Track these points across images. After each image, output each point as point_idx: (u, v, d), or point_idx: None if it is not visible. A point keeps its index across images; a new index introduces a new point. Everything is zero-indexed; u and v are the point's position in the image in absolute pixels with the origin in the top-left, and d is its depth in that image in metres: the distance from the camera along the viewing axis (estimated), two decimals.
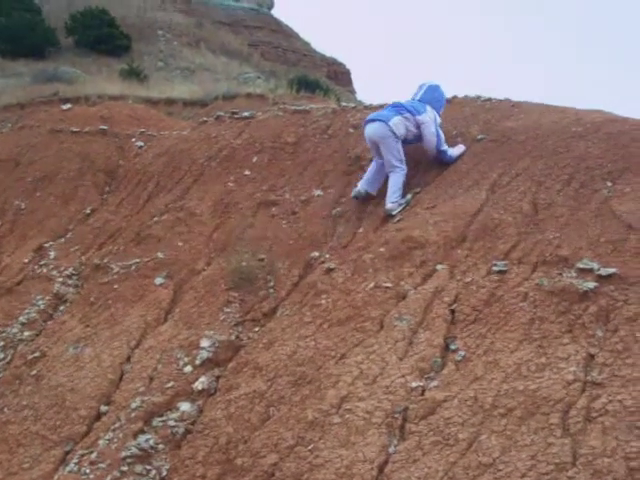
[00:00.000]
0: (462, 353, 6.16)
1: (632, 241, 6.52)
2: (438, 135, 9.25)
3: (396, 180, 8.96)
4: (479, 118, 9.69)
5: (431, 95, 9.60)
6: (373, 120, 9.27)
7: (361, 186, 9.25)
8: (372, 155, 9.46)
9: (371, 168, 9.38)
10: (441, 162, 9.29)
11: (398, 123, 9.16)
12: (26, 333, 9.26)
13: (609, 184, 7.41)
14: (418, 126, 9.28)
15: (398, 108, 9.34)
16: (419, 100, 9.49)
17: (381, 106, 10.28)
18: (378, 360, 6.37)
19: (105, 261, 9.96)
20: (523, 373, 5.68)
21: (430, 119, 9.31)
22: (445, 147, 9.25)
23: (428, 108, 9.41)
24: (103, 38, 43.63)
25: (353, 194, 9.27)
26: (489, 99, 10.30)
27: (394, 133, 9.09)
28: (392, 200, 8.79)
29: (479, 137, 9.18)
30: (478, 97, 10.48)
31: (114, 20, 45.60)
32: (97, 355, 8.28)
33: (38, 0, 48.80)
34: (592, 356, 5.59)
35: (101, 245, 10.62)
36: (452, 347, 6.30)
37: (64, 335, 8.94)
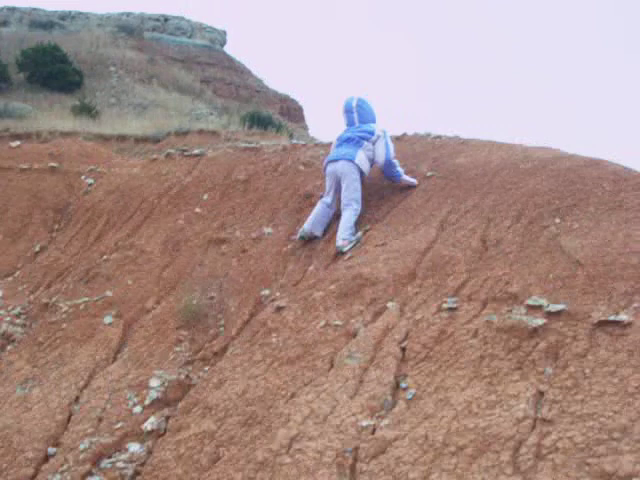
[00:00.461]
0: (412, 391, 6.13)
1: (580, 277, 6.56)
2: (387, 146, 9.42)
3: (349, 217, 8.98)
4: (429, 155, 9.76)
5: (365, 111, 9.75)
6: (338, 159, 9.33)
7: (306, 227, 9.24)
8: (325, 192, 9.47)
9: (317, 209, 9.40)
10: (390, 178, 9.47)
11: (363, 158, 9.33)
12: None
13: (557, 220, 7.46)
14: (373, 146, 9.46)
15: (354, 141, 9.41)
16: (361, 123, 9.62)
17: (331, 144, 10.28)
18: (328, 399, 6.32)
19: (54, 300, 9.84)
20: (474, 411, 5.66)
21: (381, 133, 9.50)
22: (396, 161, 9.42)
23: (373, 125, 9.61)
24: (55, 74, 43.55)
25: (299, 235, 9.26)
26: (439, 136, 10.39)
27: (360, 171, 9.21)
28: (343, 237, 8.79)
29: (429, 174, 9.24)
30: (428, 134, 10.57)
31: (66, 56, 45.58)
32: (45, 396, 8.15)
33: None
34: (542, 393, 5.59)
35: (50, 284, 10.50)
36: (403, 385, 6.26)
37: (11, 375, 8.80)
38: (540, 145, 9.27)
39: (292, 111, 65.42)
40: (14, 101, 36.17)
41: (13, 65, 43.39)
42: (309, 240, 9.18)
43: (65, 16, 65.63)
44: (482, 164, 8.92)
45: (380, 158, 9.44)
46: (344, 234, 8.84)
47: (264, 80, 68.81)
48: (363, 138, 9.41)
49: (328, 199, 9.36)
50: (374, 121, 9.71)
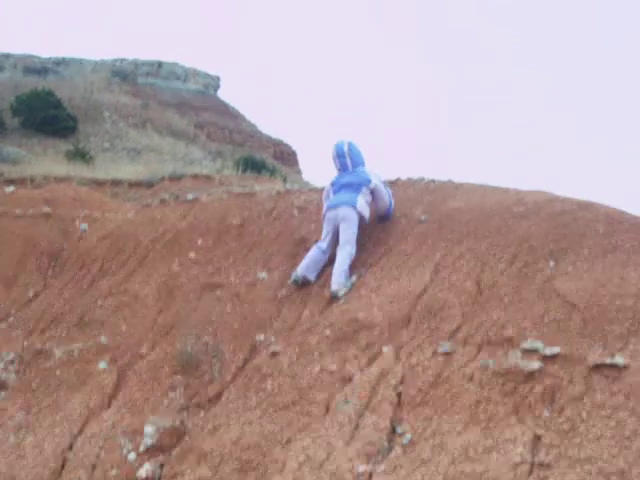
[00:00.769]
0: (409, 436, 6.10)
1: (576, 320, 6.56)
2: (389, 194, 9.70)
3: (343, 260, 8.99)
4: (423, 199, 9.78)
5: (356, 155, 9.87)
6: (339, 205, 9.40)
7: (300, 271, 9.24)
8: (322, 237, 9.50)
9: (312, 254, 9.41)
10: (383, 219, 9.71)
11: (363, 204, 9.46)
12: None
13: (552, 263, 7.48)
14: (371, 192, 9.56)
15: (353, 187, 9.52)
16: (354, 168, 9.74)
17: (324, 188, 10.32)
18: (324, 445, 6.28)
19: (47, 346, 9.80)
20: (470, 455, 5.63)
21: (379, 180, 9.68)
22: (391, 204, 9.68)
23: (367, 169, 9.76)
24: (49, 119, 43.74)
25: (292, 279, 9.24)
26: (432, 180, 10.42)
27: (361, 216, 9.37)
28: (338, 281, 8.78)
29: (423, 218, 9.25)
30: (422, 179, 10.59)
31: (60, 102, 45.80)
32: (39, 443, 8.10)
33: None
34: (539, 437, 5.58)
35: (44, 329, 10.45)
36: (399, 430, 6.23)
37: (5, 422, 8.74)
38: (533, 189, 9.30)
39: (286, 155, 65.69)
40: (8, 146, 36.28)
41: (7, 110, 43.60)
42: (303, 285, 9.16)
43: (59, 62, 66.00)
44: (476, 208, 8.94)
45: (384, 204, 9.65)
46: (339, 278, 8.84)
47: (257, 125, 69.16)
48: (362, 184, 9.51)
49: (323, 244, 9.38)
50: (364, 164, 9.85)
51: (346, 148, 9.80)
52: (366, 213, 9.49)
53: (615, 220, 7.93)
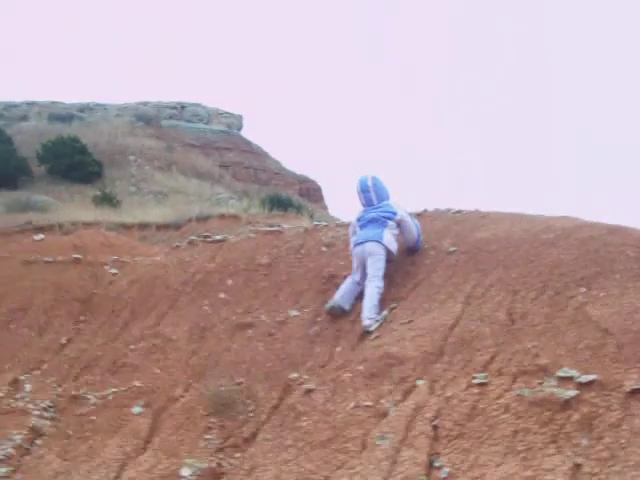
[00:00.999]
0: (447, 470, 6.05)
1: (610, 346, 6.52)
2: (417, 226, 9.77)
3: (372, 295, 8.99)
4: (450, 230, 9.78)
5: (380, 189, 9.91)
6: (366, 241, 9.42)
7: (337, 299, 9.25)
8: (353, 270, 9.55)
9: (346, 284, 9.45)
10: (412, 251, 9.76)
11: (390, 239, 9.47)
12: (2, 469, 9.04)
13: (583, 290, 7.44)
14: (398, 225, 9.59)
15: (379, 222, 9.56)
16: (379, 202, 9.76)
17: (350, 223, 10.35)
18: None
19: (81, 392, 9.81)
20: None
21: (405, 213, 9.71)
22: (419, 235, 9.76)
23: (392, 203, 9.79)
24: (75, 165, 44.08)
25: (328, 307, 9.25)
26: (459, 211, 10.42)
27: (388, 251, 9.38)
28: (369, 316, 8.77)
29: (451, 249, 9.25)
30: (448, 210, 10.60)
31: (85, 147, 46.16)
32: None
33: (10, 130, 49.36)
34: (578, 466, 5.52)
35: (77, 375, 10.46)
36: (436, 464, 6.18)
37: (42, 470, 8.73)
38: (561, 215, 9.28)
39: (311, 191, 65.90)
40: (35, 194, 36.57)
41: (33, 159, 43.98)
42: (335, 318, 9.16)
43: (84, 108, 66.69)
44: (504, 237, 8.93)
45: (412, 236, 9.72)
46: (369, 313, 8.83)
47: (282, 162, 69.44)
48: (388, 218, 9.54)
49: (356, 276, 9.42)
50: (388, 198, 9.87)
51: (370, 183, 9.84)
52: (393, 247, 9.48)
53: None
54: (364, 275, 9.41)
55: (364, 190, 9.83)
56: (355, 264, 9.54)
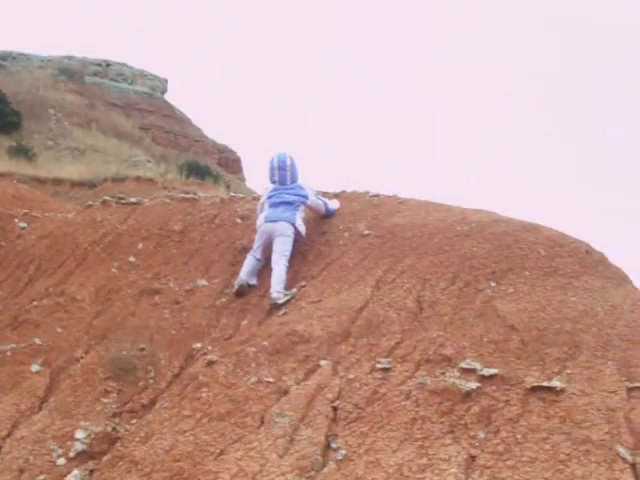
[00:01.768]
0: (343, 452, 6.05)
1: (514, 342, 6.60)
2: (322, 202, 10.00)
3: (281, 271, 9.01)
4: (367, 214, 9.78)
5: (295, 170, 10.03)
6: (278, 220, 9.42)
7: (243, 277, 9.23)
8: (254, 248, 9.55)
9: (249, 261, 9.46)
10: (327, 218, 10.03)
11: (301, 223, 9.56)
12: None
13: (493, 284, 7.52)
14: (309, 208, 9.80)
15: (293, 205, 9.60)
16: (291, 182, 9.89)
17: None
18: (258, 457, 6.20)
19: None
20: (404, 474, 5.60)
21: (313, 195, 9.88)
22: (327, 206, 10.05)
23: (302, 185, 9.91)
24: None
25: (236, 285, 9.20)
26: (377, 195, 10.42)
27: (298, 233, 9.45)
28: (278, 290, 8.77)
29: (366, 232, 9.25)
30: (366, 192, 10.59)
31: (5, 96, 45.19)
32: None
33: None
34: (473, 457, 5.57)
35: None
36: (333, 445, 6.17)
37: None
38: (477, 208, 9.35)
39: (230, 162, 65.70)
40: None
41: None
42: (247, 291, 9.12)
43: (6, 56, 65.29)
44: (419, 225, 8.96)
45: (319, 212, 10.01)
46: (278, 287, 8.83)
47: (203, 129, 68.97)
48: (300, 202, 9.66)
49: (257, 254, 9.46)
50: (298, 179, 9.99)
51: (289, 162, 9.90)
52: (303, 230, 9.57)
53: (557, 243, 8.01)
54: (265, 253, 9.46)
55: (281, 167, 9.84)
56: (259, 241, 9.56)
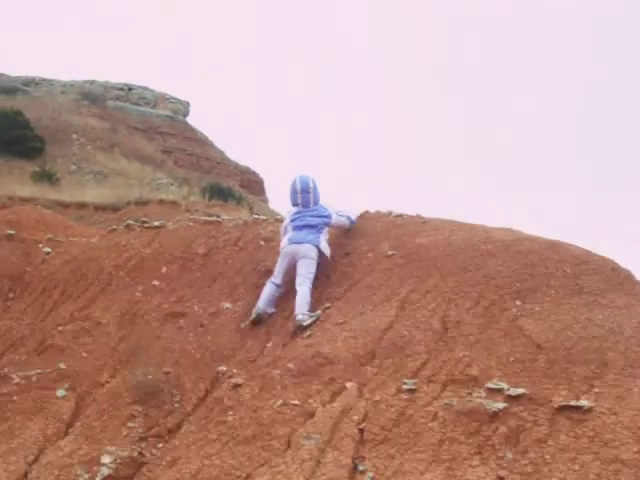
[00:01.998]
0: (370, 474, 6.02)
1: (541, 361, 6.55)
2: (345, 217, 10.07)
3: (306, 292, 8.99)
4: (390, 234, 9.75)
5: (317, 192, 10.05)
6: (302, 243, 9.45)
7: (261, 305, 9.21)
8: (275, 273, 9.57)
9: (268, 289, 9.44)
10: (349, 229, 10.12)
11: (326, 245, 9.57)
12: None
13: (518, 303, 7.47)
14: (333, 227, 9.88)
15: (316, 228, 9.63)
16: (315, 203, 9.93)
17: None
18: None
19: (5, 371, 9.61)
20: None
21: (335, 214, 9.92)
22: (351, 218, 10.15)
23: (325, 206, 9.97)
24: (16, 139, 43.42)
25: (254, 314, 9.14)
26: (400, 215, 10.39)
27: (323, 255, 9.50)
28: (302, 312, 8.74)
29: (390, 253, 9.22)
30: (390, 212, 10.56)
31: (28, 122, 45.48)
32: None
33: None
34: (502, 479, 5.54)
35: (2, 353, 10.23)
36: (360, 468, 6.14)
37: None
38: (501, 226, 9.31)
39: (252, 183, 65.85)
40: None
41: None
42: (262, 322, 9.10)
43: (29, 82, 65.84)
44: (443, 244, 8.93)
45: (343, 228, 10.10)
46: (303, 309, 8.80)
47: (225, 152, 69.20)
48: (324, 224, 9.70)
49: (277, 280, 9.45)
50: (319, 200, 10.02)
51: (312, 185, 9.94)
52: (328, 252, 9.57)
53: (582, 261, 7.96)
54: (286, 278, 9.47)
55: (304, 190, 9.87)
56: (282, 265, 9.56)
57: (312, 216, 9.71)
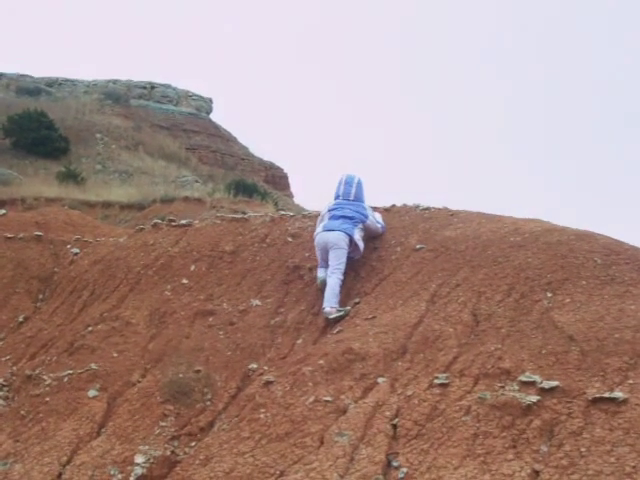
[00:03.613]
0: (404, 470, 5.99)
1: (574, 353, 6.49)
2: (381, 225, 10.00)
3: (335, 286, 9.02)
4: (418, 227, 9.73)
5: (361, 191, 10.02)
6: (334, 230, 9.47)
7: (321, 276, 9.42)
8: (320, 262, 9.59)
9: (320, 271, 9.54)
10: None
11: (359, 238, 9.54)
12: None
13: (549, 295, 7.42)
14: (363, 228, 9.72)
15: (353, 220, 9.61)
16: (354, 199, 9.88)
17: (318, 214, 10.33)
18: (318, 477, 6.15)
19: (37, 372, 9.65)
20: None
21: (373, 218, 9.88)
22: (384, 228, 10.06)
23: (366, 206, 9.93)
24: (41, 140, 43.71)
25: (319, 281, 9.41)
26: (427, 208, 10.37)
27: (356, 248, 9.51)
28: (331, 304, 8.80)
29: (418, 247, 9.20)
30: (417, 206, 10.54)
31: (52, 123, 45.71)
32: (27, 472, 7.93)
33: None
34: (537, 472, 5.49)
35: (33, 355, 10.29)
36: (394, 464, 6.12)
37: None
38: (530, 217, 9.26)
39: (277, 179, 65.89)
40: None
41: None
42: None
43: (52, 83, 66.12)
44: (472, 237, 8.89)
45: (376, 234, 9.95)
46: (331, 301, 8.87)
47: (249, 148, 69.24)
48: (359, 220, 9.66)
49: (323, 265, 9.56)
50: (364, 201, 9.98)
51: (356, 180, 10.02)
52: (361, 245, 9.55)
53: (613, 251, 7.89)
54: (326, 262, 9.49)
55: (348, 183, 9.98)
56: (320, 256, 9.59)
57: (350, 209, 9.73)
